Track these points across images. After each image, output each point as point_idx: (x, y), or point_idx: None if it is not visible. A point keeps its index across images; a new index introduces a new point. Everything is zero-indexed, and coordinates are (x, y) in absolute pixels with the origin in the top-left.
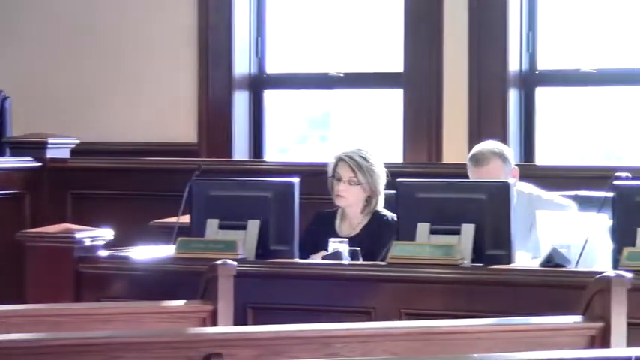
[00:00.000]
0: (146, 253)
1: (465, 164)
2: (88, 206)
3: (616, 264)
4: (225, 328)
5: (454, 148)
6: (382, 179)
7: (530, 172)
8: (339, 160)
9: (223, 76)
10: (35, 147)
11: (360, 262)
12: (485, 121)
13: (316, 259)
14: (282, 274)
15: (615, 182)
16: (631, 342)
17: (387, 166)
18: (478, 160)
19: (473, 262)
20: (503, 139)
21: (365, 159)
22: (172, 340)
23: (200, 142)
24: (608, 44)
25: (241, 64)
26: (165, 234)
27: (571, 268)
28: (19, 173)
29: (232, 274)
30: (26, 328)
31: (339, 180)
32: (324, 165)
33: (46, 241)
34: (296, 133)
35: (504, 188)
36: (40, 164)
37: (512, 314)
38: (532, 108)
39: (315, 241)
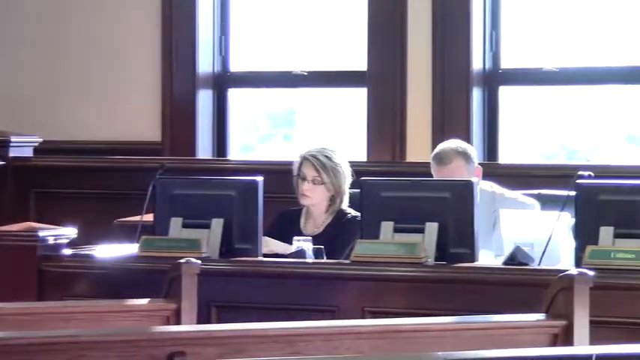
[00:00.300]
0: (109, 251)
1: (428, 163)
2: (51, 205)
3: (579, 262)
4: (188, 327)
5: (418, 147)
6: (347, 178)
7: (494, 171)
8: (304, 159)
9: (187, 74)
10: None
11: (324, 260)
12: (449, 119)
13: (267, 243)
14: (246, 272)
15: (578, 181)
16: (593, 340)
17: (351, 164)
18: (441, 158)
19: (436, 261)
20: (467, 138)
21: (329, 158)
22: (136, 338)
23: (164, 141)
24: (571, 43)
25: (205, 63)
26: (129, 232)
27: (534, 266)
28: None
29: (196, 273)
30: None
31: (304, 179)
32: (289, 163)
33: (8, 239)
34: (260, 131)
35: (468, 187)
36: (2, 162)
37: (476, 312)
38: (495, 107)
39: (279, 239)
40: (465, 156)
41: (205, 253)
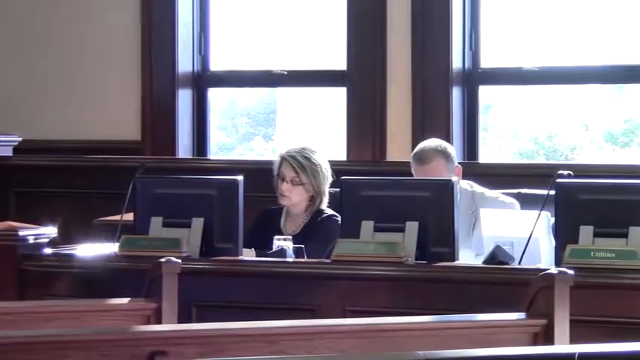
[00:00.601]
0: (90, 251)
1: (408, 162)
2: (31, 204)
3: (559, 261)
4: (169, 326)
5: (398, 146)
6: (326, 179)
7: (474, 170)
8: (283, 159)
9: (167, 73)
10: None
11: (305, 259)
12: (429, 119)
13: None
14: (227, 271)
15: (558, 180)
16: (574, 339)
17: (331, 163)
18: (421, 158)
19: (417, 260)
20: (447, 137)
21: (308, 159)
22: (116, 338)
23: (144, 140)
24: (551, 43)
25: (185, 62)
26: (109, 232)
27: (514, 265)
28: None
29: (177, 272)
30: None
31: (283, 179)
32: (269, 163)
33: None
34: (240, 130)
35: (448, 186)
36: None
37: (456, 311)
38: (475, 106)
39: (259, 238)
40: (445, 155)
41: (186, 252)
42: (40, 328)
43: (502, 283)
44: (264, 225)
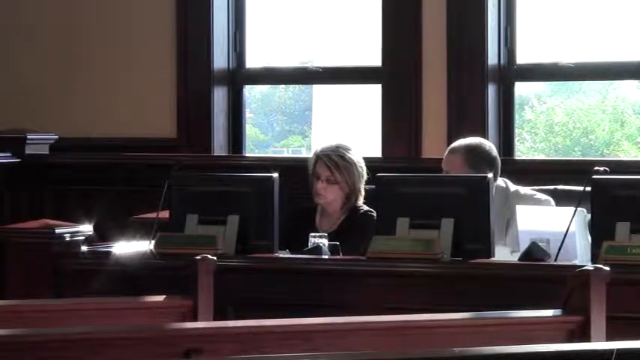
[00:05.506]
0: (126, 248)
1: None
2: (68, 202)
3: (595, 258)
4: (205, 324)
5: (433, 143)
6: (361, 176)
7: (509, 167)
8: (317, 158)
9: (202, 71)
10: (14, 143)
11: (341, 256)
12: (464, 115)
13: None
14: (262, 269)
15: (594, 176)
16: (610, 336)
17: (367, 160)
18: (451, 147)
19: (452, 257)
20: (483, 134)
21: (342, 157)
22: (152, 335)
23: (179, 138)
24: (587, 38)
25: (220, 59)
26: (145, 229)
27: (550, 262)
28: None
29: (212, 270)
30: (6, 324)
31: (318, 178)
32: (304, 160)
33: (25, 237)
34: (276, 127)
35: (483, 182)
36: (19, 160)
37: (492, 308)
38: (511, 102)
39: (295, 236)
40: (467, 158)
41: (221, 249)
42: (76, 326)
43: (538, 280)
44: (299, 223)
